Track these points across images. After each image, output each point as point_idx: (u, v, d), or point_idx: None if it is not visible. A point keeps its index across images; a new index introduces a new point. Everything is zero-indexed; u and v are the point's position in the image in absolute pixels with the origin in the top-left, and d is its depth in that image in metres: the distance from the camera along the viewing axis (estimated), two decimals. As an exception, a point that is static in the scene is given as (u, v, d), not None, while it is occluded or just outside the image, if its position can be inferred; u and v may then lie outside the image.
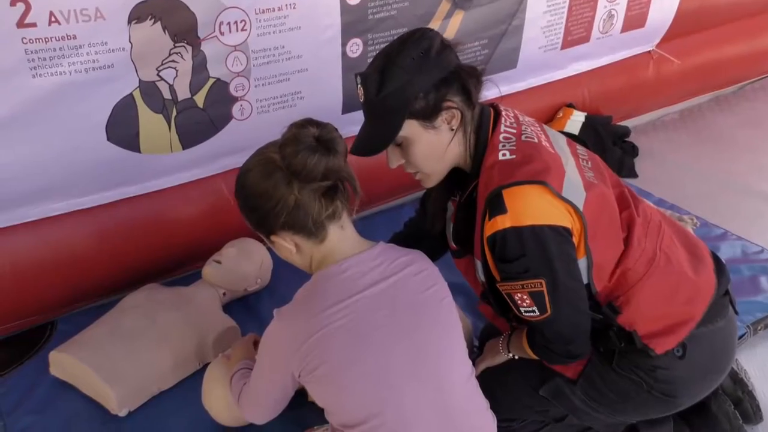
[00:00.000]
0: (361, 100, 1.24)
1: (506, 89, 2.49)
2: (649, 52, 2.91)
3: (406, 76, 1.18)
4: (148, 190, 1.83)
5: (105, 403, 1.52)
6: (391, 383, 1.10)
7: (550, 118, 2.69)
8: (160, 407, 1.55)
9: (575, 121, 2.64)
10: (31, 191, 1.61)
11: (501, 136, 1.25)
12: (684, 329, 1.26)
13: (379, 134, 1.23)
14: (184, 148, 1.82)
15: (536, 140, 1.25)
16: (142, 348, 1.57)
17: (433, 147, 1.25)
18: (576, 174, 1.25)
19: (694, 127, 3.19)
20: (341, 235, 1.14)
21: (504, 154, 1.22)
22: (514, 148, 1.23)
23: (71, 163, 1.63)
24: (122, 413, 1.52)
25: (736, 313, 1.38)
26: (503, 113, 1.31)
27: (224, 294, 1.82)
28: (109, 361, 1.52)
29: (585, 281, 1.23)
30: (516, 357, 1.44)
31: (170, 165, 1.83)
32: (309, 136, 1.09)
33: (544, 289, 1.19)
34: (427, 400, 1.12)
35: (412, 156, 1.25)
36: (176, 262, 1.94)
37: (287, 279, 1.64)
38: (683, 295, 1.27)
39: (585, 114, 2.68)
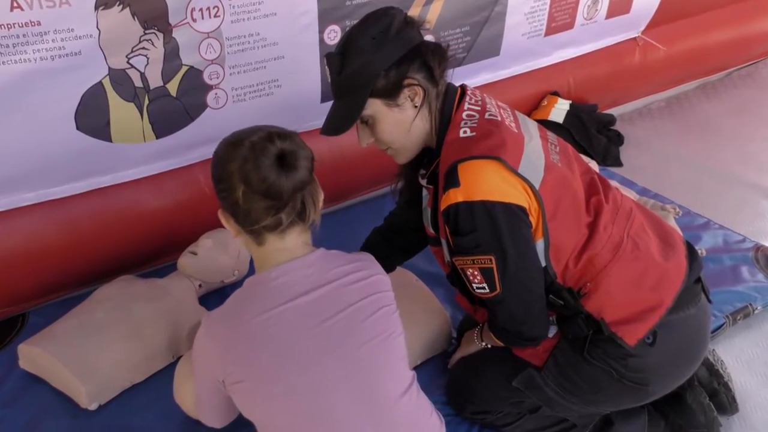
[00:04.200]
0: (329, 81, 1.27)
1: (490, 77, 2.46)
2: (634, 38, 2.89)
3: (365, 56, 1.20)
4: (121, 180, 1.80)
5: (75, 397, 1.50)
6: (320, 400, 1.04)
7: (534, 106, 2.67)
8: (131, 401, 1.53)
9: (560, 109, 2.61)
10: (2, 178, 1.58)
11: (464, 114, 1.26)
12: (653, 316, 1.25)
13: (343, 114, 1.25)
14: (157, 138, 1.79)
15: (498, 119, 1.25)
16: (113, 341, 1.55)
17: (398, 124, 1.27)
18: (538, 154, 1.25)
19: (680, 115, 3.17)
20: (280, 244, 1.09)
21: (465, 131, 1.23)
22: (476, 125, 1.24)
23: (40, 153, 1.60)
24: (92, 407, 1.50)
25: (710, 301, 1.37)
26: (469, 92, 1.32)
27: (200, 286, 1.80)
28: (79, 355, 1.50)
29: (543, 263, 1.24)
30: (489, 346, 1.45)
31: (144, 155, 1.79)
32: (271, 154, 1.03)
33: (494, 266, 1.19)
34: (362, 418, 1.05)
35: (379, 133, 1.28)
36: (151, 254, 1.91)
37: None
38: (651, 281, 1.27)
39: (570, 102, 2.66)
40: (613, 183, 2.21)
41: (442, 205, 1.22)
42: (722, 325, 1.77)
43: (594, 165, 2.33)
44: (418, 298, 1.71)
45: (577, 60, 2.72)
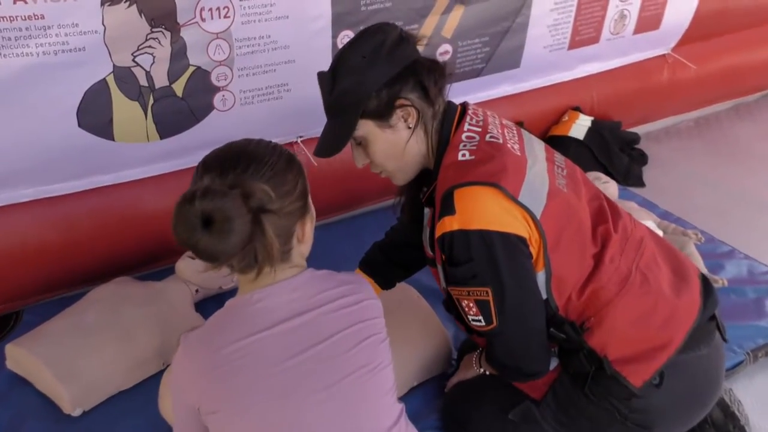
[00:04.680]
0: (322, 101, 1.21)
1: (509, 89, 2.39)
2: (663, 55, 2.79)
3: (356, 76, 1.15)
4: (122, 179, 1.77)
5: (58, 402, 1.46)
6: None
7: (554, 121, 2.59)
8: (117, 408, 1.49)
9: (581, 125, 2.53)
10: (-2, 174, 1.56)
11: (463, 135, 1.20)
12: (661, 355, 1.17)
13: (335, 134, 1.20)
14: (161, 138, 1.75)
15: (500, 141, 1.18)
16: (102, 344, 1.51)
17: (392, 146, 1.21)
18: (542, 179, 1.18)
19: (709, 137, 3.05)
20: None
21: (463, 155, 1.16)
22: (475, 148, 1.17)
23: (40, 149, 1.58)
24: (75, 413, 1.46)
25: (725, 340, 1.28)
26: (470, 112, 1.25)
27: (197, 291, 1.76)
28: (65, 358, 1.46)
29: (544, 295, 1.16)
30: (487, 373, 1.38)
31: (147, 155, 1.76)
32: (191, 217, 0.88)
33: (491, 298, 1.13)
34: None
35: (372, 155, 1.23)
36: (150, 256, 1.88)
37: None
38: (660, 318, 1.19)
39: (592, 118, 2.57)
40: (632, 204, 2.13)
41: (438, 232, 1.15)
42: (741, 362, 1.66)
43: (613, 185, 2.25)
44: (419, 316, 1.65)
45: (602, 75, 2.63)
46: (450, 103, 1.26)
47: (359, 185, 2.17)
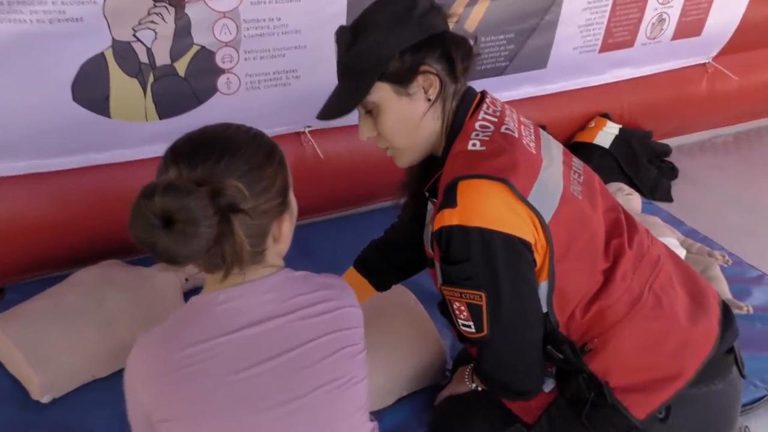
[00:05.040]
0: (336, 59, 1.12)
1: (533, 90, 2.28)
2: (703, 64, 2.63)
3: (381, 33, 1.05)
4: (118, 159, 1.71)
5: (27, 387, 1.40)
6: None
7: (580, 127, 2.46)
8: (89, 397, 1.42)
9: (608, 132, 2.40)
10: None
11: (477, 124, 1.09)
12: (669, 387, 1.06)
13: (346, 96, 1.10)
14: (161, 118, 1.68)
15: (516, 135, 1.08)
16: (79, 329, 1.45)
17: (406, 117, 1.11)
18: (556, 182, 1.07)
19: (748, 153, 2.89)
20: None
21: (474, 144, 1.06)
22: (488, 139, 1.07)
23: (33, 121, 1.52)
24: (44, 399, 1.39)
25: (743, 376, 1.15)
26: (487, 100, 1.15)
27: (187, 280, 1.69)
28: (38, 341, 1.40)
29: (544, 309, 1.06)
30: (479, 389, 1.28)
31: (145, 134, 1.69)
32: (148, 215, 0.79)
33: (484, 304, 1.03)
34: None
35: (382, 126, 1.12)
36: (143, 240, 1.81)
37: None
38: (671, 346, 1.07)
39: (620, 126, 2.43)
40: (655, 219, 1.99)
41: (435, 226, 1.06)
42: (762, 398, 1.53)
43: (636, 198, 2.12)
44: (413, 322, 1.55)
45: (635, 82, 2.49)
46: (470, 88, 1.16)
47: (370, 180, 2.08)
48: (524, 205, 1.01)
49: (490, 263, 1.01)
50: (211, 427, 0.86)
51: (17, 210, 1.61)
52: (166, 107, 1.67)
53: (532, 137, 1.14)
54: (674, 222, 2.16)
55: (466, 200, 1.01)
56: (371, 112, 1.11)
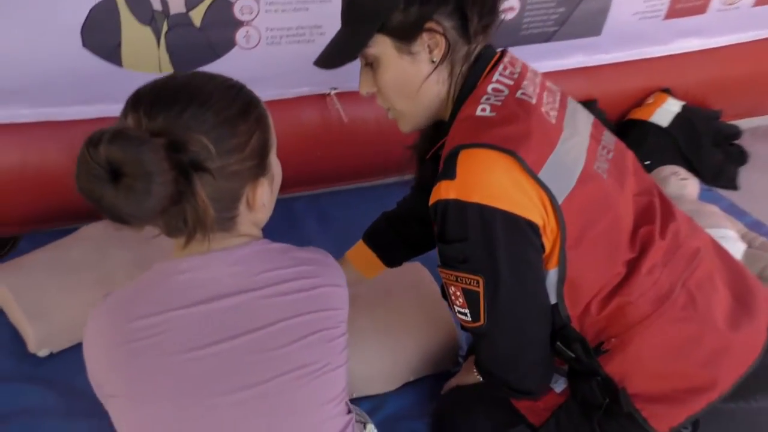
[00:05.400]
0: None
1: (584, 60, 2.07)
2: (787, 37, 2.34)
3: None
4: (132, 111, 1.64)
5: (25, 338, 1.37)
6: None
7: (636, 103, 2.23)
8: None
9: (667, 110, 2.17)
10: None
11: (490, 87, 0.96)
12: (699, 399, 0.91)
13: (343, 44, 0.99)
14: (175, 70, 1.61)
15: (533, 101, 0.94)
16: (79, 284, 1.41)
17: (406, 78, 0.99)
18: (575, 157, 0.93)
19: (833, 141, 2.59)
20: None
21: (483, 109, 0.93)
22: (499, 104, 0.93)
23: (41, 66, 1.46)
24: (41, 353, 1.36)
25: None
26: (505, 60, 1.01)
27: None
28: (37, 294, 1.37)
29: (553, 300, 0.93)
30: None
31: (160, 88, 1.63)
32: (92, 166, 0.71)
33: (481, 290, 0.91)
34: None
35: (381, 83, 1.01)
36: (156, 197, 1.76)
37: (284, 234, 1.34)
38: (704, 352, 0.93)
39: (683, 104, 2.20)
40: (713, 208, 1.78)
41: (432, 198, 0.94)
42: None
43: (693, 183, 1.91)
44: (426, 302, 1.43)
45: (705, 54, 2.22)
46: (489, 48, 1.02)
47: (397, 150, 1.95)
48: (533, 182, 0.88)
49: (489, 245, 0.89)
50: (154, 410, 0.78)
51: (29, 158, 1.57)
52: (181, 59, 1.59)
53: (556, 105, 1.00)
54: (736, 212, 1.95)
55: (466, 172, 0.89)
56: (371, 65, 1.00)
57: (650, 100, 2.20)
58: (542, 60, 1.97)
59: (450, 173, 0.90)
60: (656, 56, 2.17)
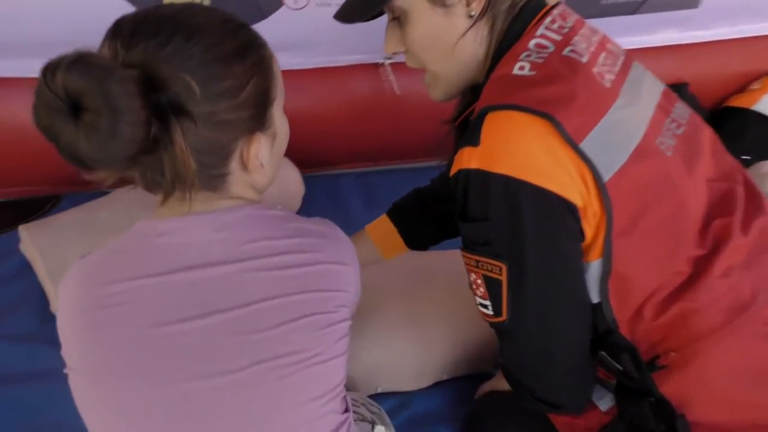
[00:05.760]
0: None
1: (678, 37, 1.84)
2: None
3: None
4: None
5: (49, 298, 1.35)
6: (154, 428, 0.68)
7: (738, 88, 1.96)
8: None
9: (774, 98, 1.89)
10: (36, 42, 1.43)
11: (532, 42, 0.80)
12: None
13: None
14: (219, 30, 1.53)
15: (584, 60, 0.78)
16: (100, 244, 1.36)
17: (439, 34, 0.85)
18: (632, 128, 0.77)
19: None
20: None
21: (522, 67, 0.78)
22: (541, 61, 0.78)
23: (80, 17, 1.41)
24: (61, 314, 1.34)
25: None
26: (555, 13, 0.84)
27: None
28: (62, 253, 1.34)
29: (595, 298, 0.78)
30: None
31: (203, 47, 1.56)
32: (48, 97, 0.60)
33: (504, 279, 0.76)
34: None
35: (410, 40, 0.87)
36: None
37: (326, 212, 1.15)
38: None
39: (795, 91, 1.91)
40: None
41: (453, 168, 0.80)
42: None
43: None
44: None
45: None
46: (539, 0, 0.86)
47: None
48: (573, 153, 0.72)
49: (515, 225, 0.74)
50: (108, 391, 0.68)
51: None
52: (226, 18, 1.52)
53: (615, 68, 0.83)
54: None
55: (491, 137, 0.74)
56: (399, 20, 0.86)
57: (755, 86, 1.93)
58: (627, 35, 1.75)
59: (474, 139, 0.75)
60: (764, 34, 1.89)
